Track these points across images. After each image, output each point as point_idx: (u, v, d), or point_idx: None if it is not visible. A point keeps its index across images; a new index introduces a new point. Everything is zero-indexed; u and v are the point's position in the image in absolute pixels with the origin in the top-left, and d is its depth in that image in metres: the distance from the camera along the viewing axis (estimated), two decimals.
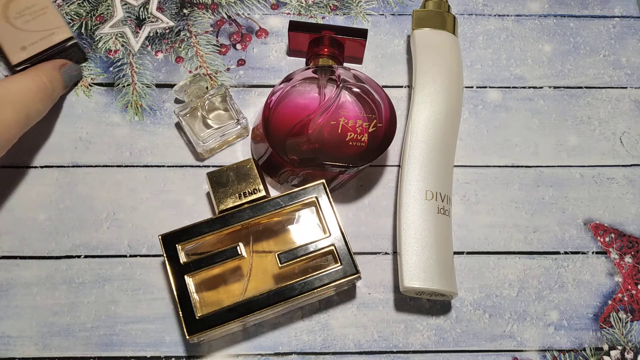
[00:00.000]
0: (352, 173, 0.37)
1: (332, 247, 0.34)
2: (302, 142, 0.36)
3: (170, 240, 0.34)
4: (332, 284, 0.33)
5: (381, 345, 0.37)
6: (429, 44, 0.41)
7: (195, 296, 0.34)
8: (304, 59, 0.44)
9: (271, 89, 0.43)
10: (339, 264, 0.34)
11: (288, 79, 0.38)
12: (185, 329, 0.33)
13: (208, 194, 0.40)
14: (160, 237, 0.35)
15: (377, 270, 0.39)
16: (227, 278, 0.35)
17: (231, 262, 0.35)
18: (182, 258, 0.34)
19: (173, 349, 0.36)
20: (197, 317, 0.33)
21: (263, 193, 0.36)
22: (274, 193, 0.40)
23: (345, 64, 0.42)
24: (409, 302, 0.38)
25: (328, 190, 0.35)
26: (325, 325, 0.37)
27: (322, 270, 0.34)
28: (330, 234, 0.35)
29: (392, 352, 0.37)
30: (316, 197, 0.35)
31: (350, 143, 0.36)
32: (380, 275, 0.39)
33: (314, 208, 0.36)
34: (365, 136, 0.36)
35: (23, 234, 0.39)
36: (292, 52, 0.44)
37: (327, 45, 0.40)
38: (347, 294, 0.38)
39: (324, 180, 0.36)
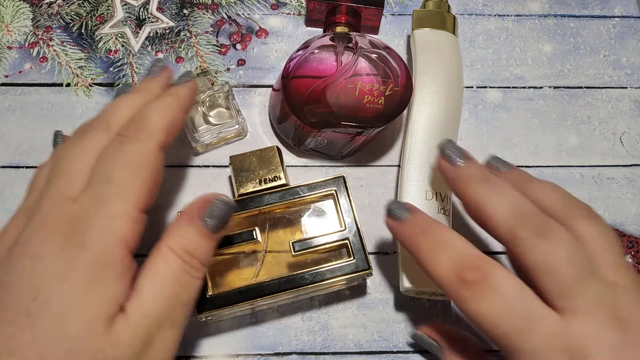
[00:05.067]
0: (369, 135, 0.38)
1: (347, 241, 0.34)
2: (320, 105, 0.37)
3: None
4: (343, 277, 0.34)
5: (381, 345, 0.37)
6: (429, 44, 0.41)
7: (207, 275, 0.34)
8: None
9: (270, 89, 0.43)
10: (352, 258, 0.34)
11: (305, 45, 0.38)
12: (195, 307, 0.33)
13: (230, 177, 0.40)
14: (179, 213, 0.35)
15: (377, 270, 0.39)
16: (240, 261, 0.36)
17: (246, 246, 0.35)
18: None
19: None
20: (208, 296, 0.33)
21: (283, 181, 0.36)
22: (293, 179, 0.40)
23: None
24: (409, 302, 0.38)
25: (348, 185, 0.36)
26: (325, 325, 0.37)
27: (335, 263, 0.34)
28: (345, 228, 0.35)
29: (392, 352, 0.37)
30: (335, 191, 0.36)
31: (368, 105, 0.37)
32: (381, 275, 0.39)
33: (332, 201, 0.36)
34: (382, 99, 0.37)
35: None
36: (309, 22, 0.45)
37: (344, 14, 0.41)
38: (350, 293, 0.38)
39: (344, 175, 0.36)
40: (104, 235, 0.26)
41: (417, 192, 0.37)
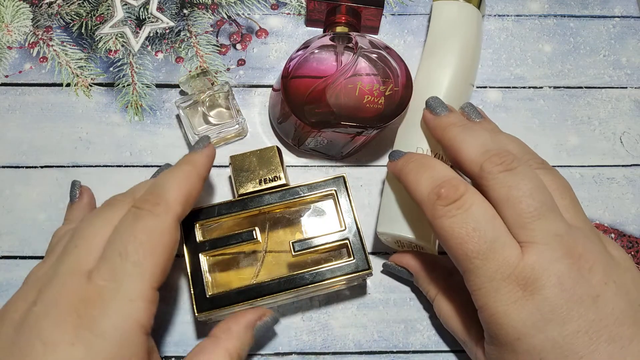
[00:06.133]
0: (369, 135, 0.38)
1: (347, 241, 0.35)
2: (320, 105, 0.37)
3: (188, 219, 0.35)
4: (343, 277, 0.34)
5: (381, 345, 0.37)
6: (447, 10, 0.40)
7: (207, 275, 0.34)
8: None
9: (270, 89, 0.43)
10: (352, 258, 0.34)
11: (305, 45, 0.38)
12: (194, 307, 0.33)
13: (230, 177, 0.40)
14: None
15: (377, 270, 0.39)
16: (240, 261, 0.36)
17: (246, 246, 0.35)
18: (199, 237, 0.35)
19: (173, 349, 0.36)
20: (208, 296, 0.33)
21: (283, 181, 0.36)
22: (293, 179, 0.40)
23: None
24: (409, 302, 0.38)
25: (348, 185, 0.36)
26: (325, 325, 0.37)
27: (334, 263, 0.34)
28: (345, 228, 0.35)
29: (392, 352, 0.37)
30: (335, 190, 0.36)
31: (368, 105, 0.37)
32: (381, 275, 0.39)
33: (332, 201, 0.37)
34: (382, 99, 0.37)
35: (23, 234, 0.39)
36: (309, 22, 0.45)
37: (344, 14, 0.41)
38: (350, 293, 0.38)
39: (344, 175, 0.36)
40: (121, 322, 0.25)
41: (406, 147, 0.37)
